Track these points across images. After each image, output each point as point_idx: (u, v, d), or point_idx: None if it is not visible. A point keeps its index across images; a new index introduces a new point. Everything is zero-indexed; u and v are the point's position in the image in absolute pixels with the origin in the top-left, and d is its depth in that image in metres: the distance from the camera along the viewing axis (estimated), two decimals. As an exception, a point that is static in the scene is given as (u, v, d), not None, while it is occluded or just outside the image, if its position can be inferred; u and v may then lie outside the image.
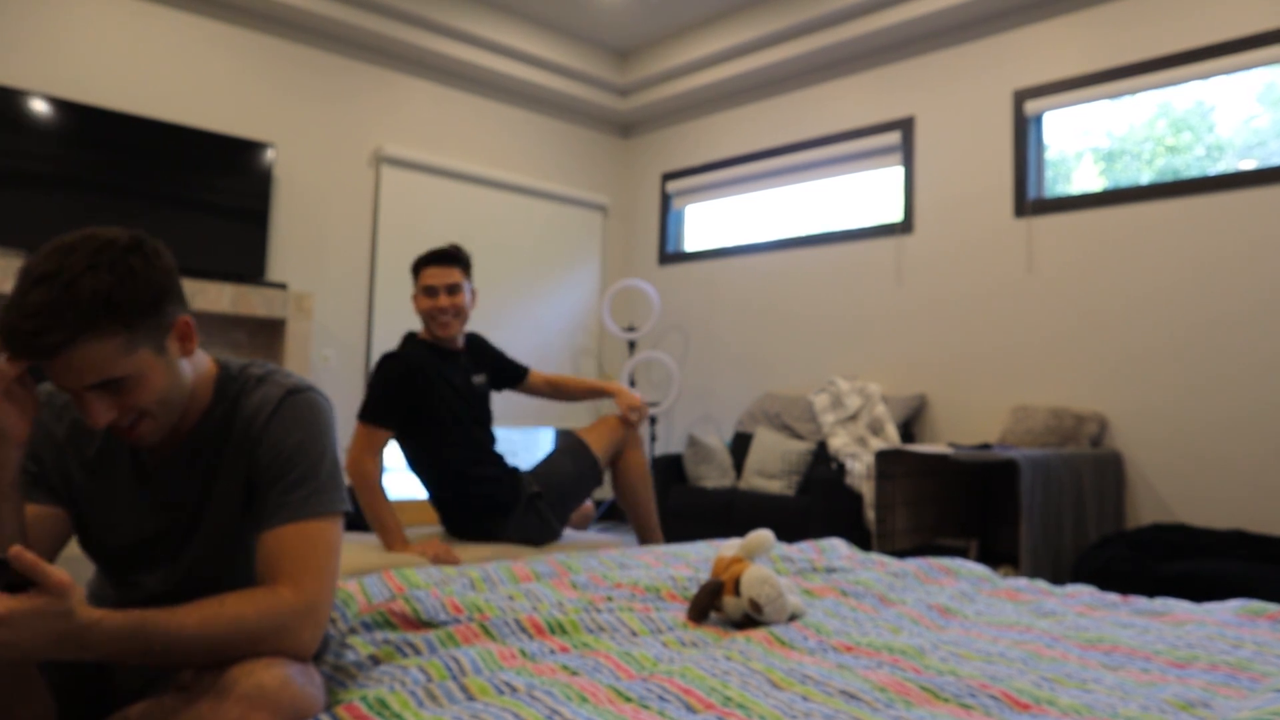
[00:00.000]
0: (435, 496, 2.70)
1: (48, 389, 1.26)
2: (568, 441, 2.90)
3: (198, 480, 1.24)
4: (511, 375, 2.93)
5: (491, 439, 2.77)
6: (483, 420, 2.76)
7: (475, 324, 5.02)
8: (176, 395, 1.17)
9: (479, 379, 2.79)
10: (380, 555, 2.39)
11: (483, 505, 2.64)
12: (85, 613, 0.96)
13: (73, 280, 1.01)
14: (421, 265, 2.69)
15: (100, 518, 1.25)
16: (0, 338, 1.03)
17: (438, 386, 2.62)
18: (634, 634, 1.52)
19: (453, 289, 2.66)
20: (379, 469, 2.55)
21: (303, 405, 1.24)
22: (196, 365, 1.22)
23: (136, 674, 1.26)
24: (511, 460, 2.91)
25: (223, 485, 1.24)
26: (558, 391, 3.00)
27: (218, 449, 1.24)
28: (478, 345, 2.88)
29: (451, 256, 2.69)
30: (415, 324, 4.97)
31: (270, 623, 1.08)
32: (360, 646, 1.39)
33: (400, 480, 5.11)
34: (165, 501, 1.25)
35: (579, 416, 5.63)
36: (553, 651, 1.40)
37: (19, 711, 1.09)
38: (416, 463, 2.68)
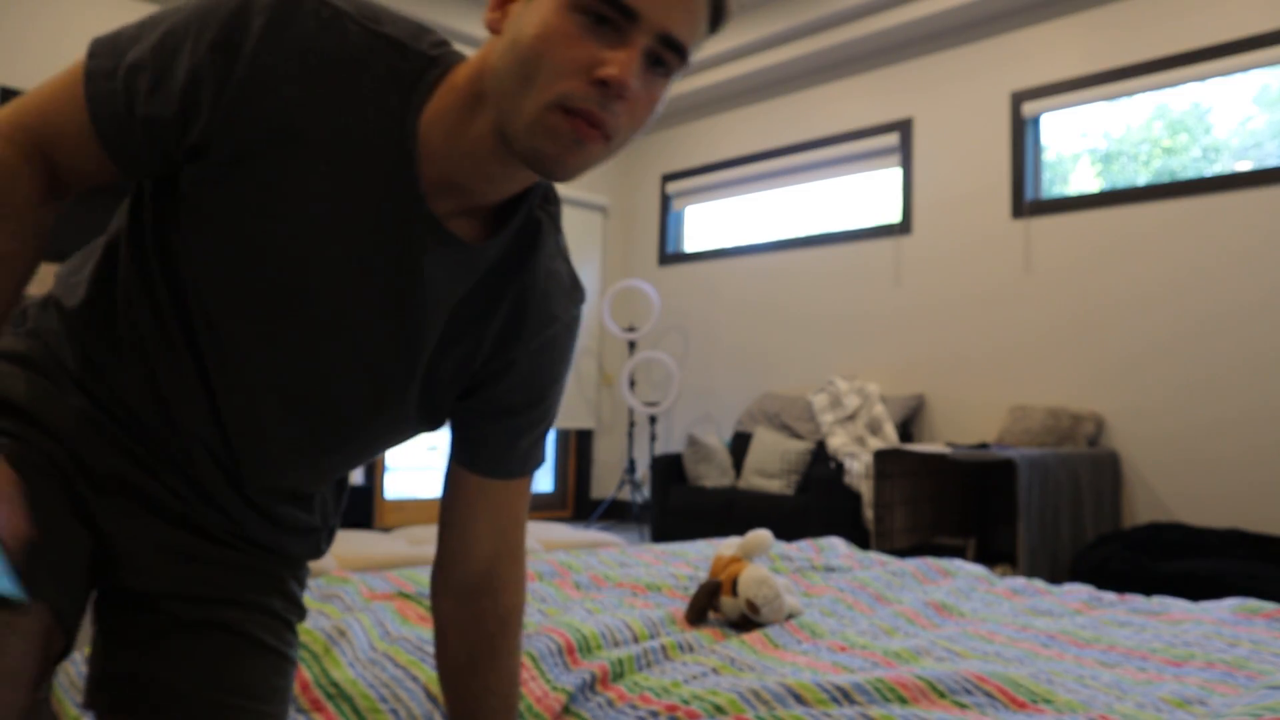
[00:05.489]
0: None
1: None
2: None
3: (454, 301, 0.80)
4: None
5: None
6: None
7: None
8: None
9: None
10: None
11: None
12: None
13: None
14: None
15: (276, 227, 0.74)
16: None
17: None
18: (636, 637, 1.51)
19: None
20: None
21: (579, 324, 0.88)
22: None
23: None
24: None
25: (472, 337, 0.82)
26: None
27: (500, 279, 0.81)
28: None
29: None
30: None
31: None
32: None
33: (402, 481, 5.10)
34: (400, 293, 0.76)
35: (578, 416, 5.62)
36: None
37: None
38: None
